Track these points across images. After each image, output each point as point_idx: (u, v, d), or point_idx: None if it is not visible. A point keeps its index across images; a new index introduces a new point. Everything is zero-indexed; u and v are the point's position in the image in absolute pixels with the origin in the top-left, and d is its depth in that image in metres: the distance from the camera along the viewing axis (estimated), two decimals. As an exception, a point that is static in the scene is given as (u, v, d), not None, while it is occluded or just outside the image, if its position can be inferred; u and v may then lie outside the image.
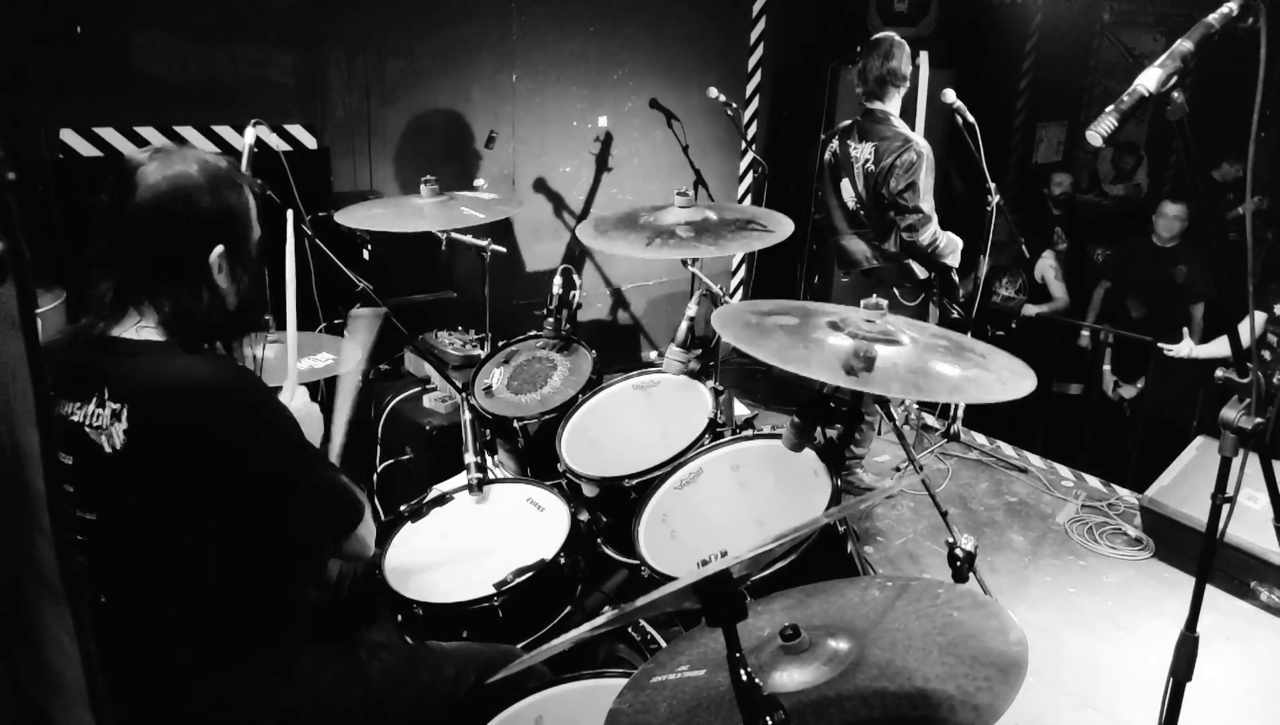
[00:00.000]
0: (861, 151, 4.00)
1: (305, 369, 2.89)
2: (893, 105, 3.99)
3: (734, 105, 4.86)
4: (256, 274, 1.74)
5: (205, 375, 1.59)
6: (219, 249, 1.63)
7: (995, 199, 4.36)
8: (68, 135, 3.59)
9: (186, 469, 1.53)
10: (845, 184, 4.11)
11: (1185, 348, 4.81)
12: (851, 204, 4.12)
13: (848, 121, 4.18)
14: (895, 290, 4.07)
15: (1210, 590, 1.78)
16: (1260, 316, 4.46)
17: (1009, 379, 1.86)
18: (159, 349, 1.61)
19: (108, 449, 1.53)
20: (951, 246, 4.01)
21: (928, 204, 3.87)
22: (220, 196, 1.63)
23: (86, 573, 1.60)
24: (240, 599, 1.67)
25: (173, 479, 1.53)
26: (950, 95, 4.14)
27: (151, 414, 1.53)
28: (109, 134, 3.66)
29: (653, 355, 5.62)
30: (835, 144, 4.16)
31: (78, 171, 3.54)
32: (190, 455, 1.52)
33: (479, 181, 4.71)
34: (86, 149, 3.62)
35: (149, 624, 1.63)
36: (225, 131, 3.93)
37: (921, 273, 4.08)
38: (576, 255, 5.34)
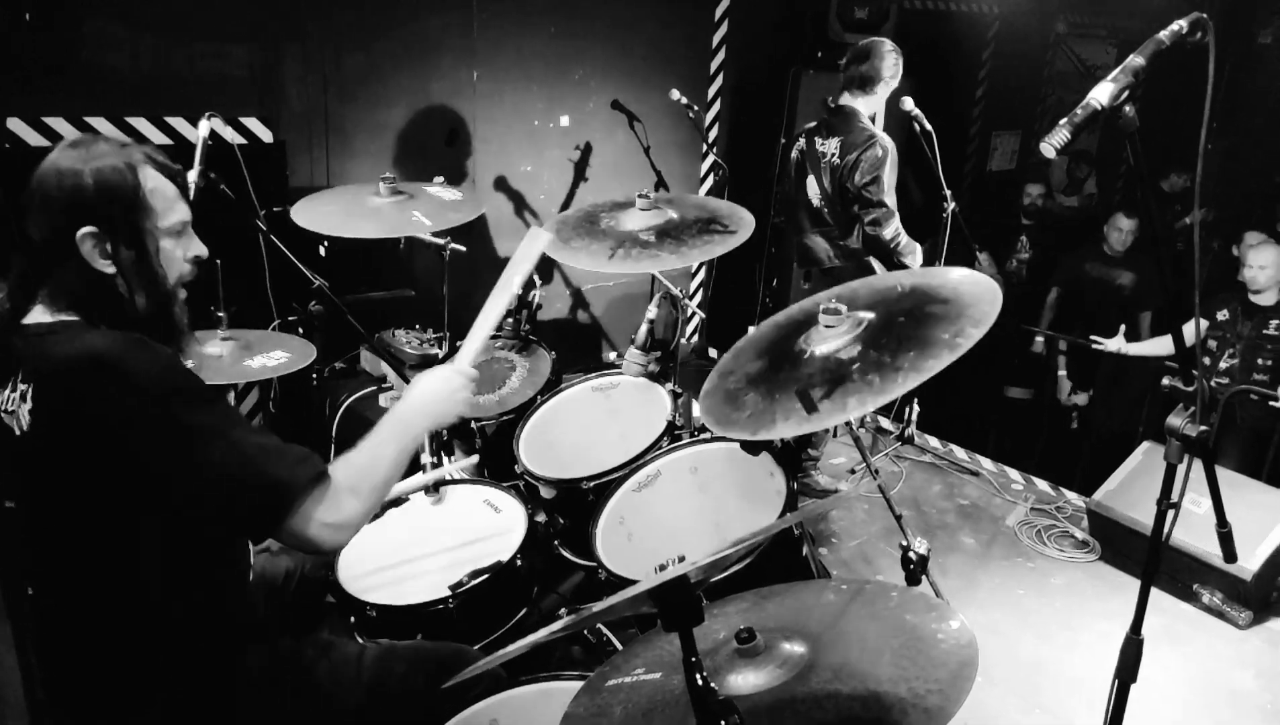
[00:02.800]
0: (828, 146, 4.07)
1: (258, 367, 2.86)
2: (863, 104, 4.06)
3: (696, 108, 4.88)
4: (160, 266, 1.64)
5: (90, 348, 1.51)
6: (85, 229, 1.56)
7: (951, 206, 4.42)
8: (15, 124, 3.50)
9: (80, 448, 1.48)
10: (811, 180, 4.16)
11: (1116, 343, 4.95)
12: (816, 201, 4.16)
13: (814, 122, 4.24)
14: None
15: (1154, 593, 1.82)
16: (1203, 323, 4.58)
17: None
18: (68, 329, 1.57)
19: (17, 432, 1.52)
20: (911, 248, 4.07)
21: (891, 199, 3.94)
22: (101, 180, 1.57)
23: (10, 560, 1.58)
24: (173, 592, 1.62)
25: (71, 459, 1.50)
26: (908, 103, 4.19)
27: (47, 392, 1.51)
28: (58, 124, 3.58)
29: (612, 356, 5.62)
30: (802, 141, 4.22)
31: (24, 162, 3.46)
32: (91, 430, 1.47)
33: (437, 180, 4.68)
34: (35, 139, 3.54)
35: (79, 614, 1.60)
36: (178, 123, 3.86)
37: (882, 270, 4.13)
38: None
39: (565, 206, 5.29)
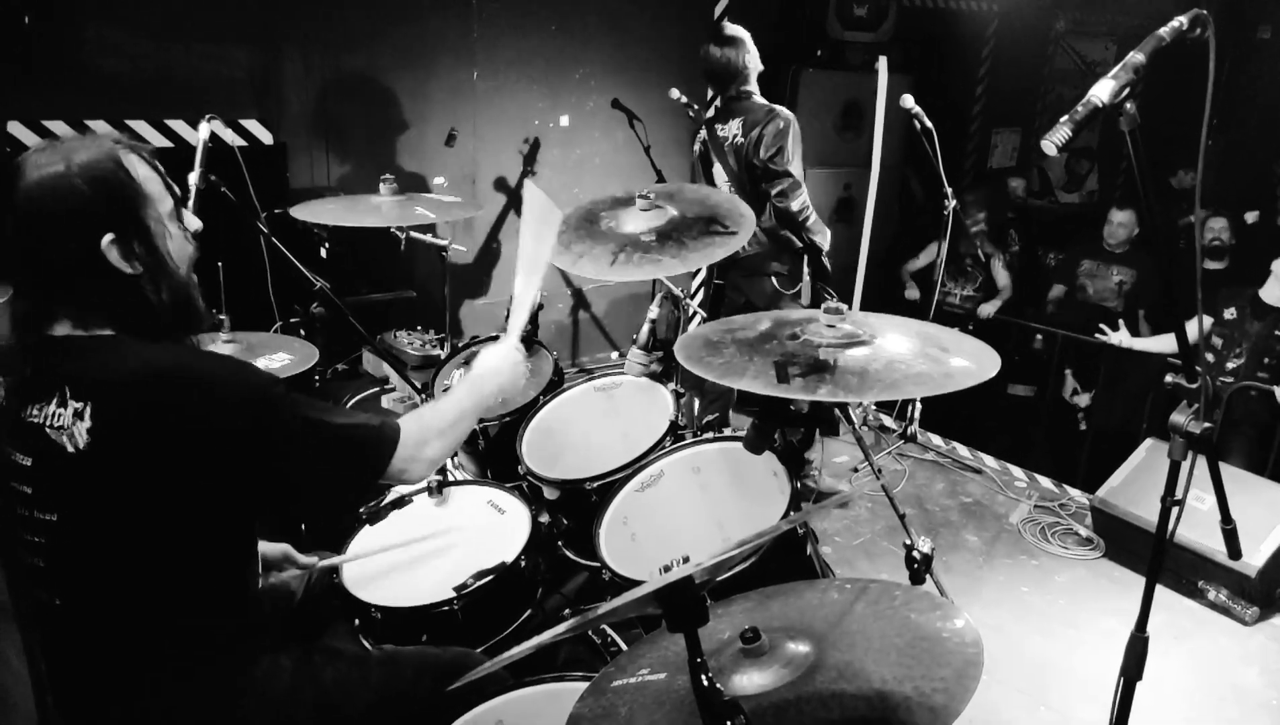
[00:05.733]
0: (729, 129, 4.03)
1: (262, 369, 2.86)
2: (751, 85, 4.04)
3: (695, 107, 4.87)
4: (172, 254, 1.64)
5: (171, 359, 1.54)
6: (108, 237, 1.54)
7: (952, 203, 4.42)
8: (15, 128, 3.50)
9: (154, 463, 1.50)
10: (717, 169, 4.13)
11: (1119, 336, 4.95)
12: (726, 188, 4.10)
13: (711, 111, 4.23)
14: (773, 279, 4.06)
15: (1159, 589, 1.82)
16: (1207, 320, 4.57)
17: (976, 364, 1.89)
18: (113, 344, 1.57)
19: (70, 449, 1.49)
20: (820, 228, 4.01)
21: (797, 169, 3.89)
22: (97, 183, 1.54)
23: (42, 575, 1.57)
24: (200, 603, 1.64)
25: (140, 475, 1.50)
26: (909, 100, 4.19)
27: (114, 410, 1.50)
28: (59, 127, 3.59)
29: (614, 356, 5.62)
30: (703, 133, 4.19)
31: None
32: (166, 443, 1.49)
33: (438, 180, 4.68)
34: (35, 142, 3.54)
35: (105, 626, 1.60)
36: (179, 126, 3.87)
37: (798, 242, 4.04)
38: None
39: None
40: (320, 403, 1.69)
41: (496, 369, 2.01)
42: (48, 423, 1.52)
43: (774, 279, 4.05)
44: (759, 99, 4.01)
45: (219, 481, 1.55)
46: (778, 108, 3.94)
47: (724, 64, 3.98)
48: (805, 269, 4.08)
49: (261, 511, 1.63)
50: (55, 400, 1.52)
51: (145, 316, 1.60)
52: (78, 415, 1.50)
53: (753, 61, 4.01)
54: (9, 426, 1.57)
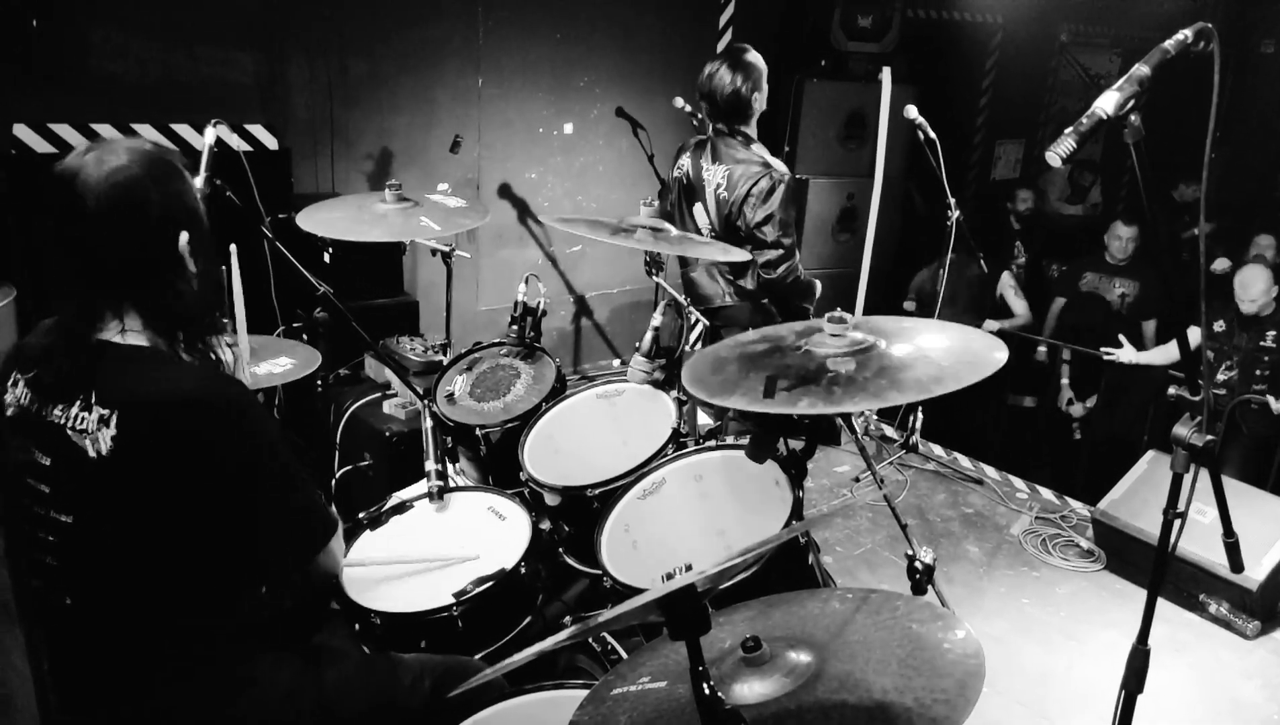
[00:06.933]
0: (714, 174, 3.53)
1: (264, 374, 2.86)
2: (752, 127, 3.58)
3: (699, 116, 4.88)
4: (213, 257, 1.71)
5: (197, 384, 1.57)
6: (185, 236, 1.61)
7: (955, 214, 4.42)
8: (21, 130, 3.51)
9: (173, 477, 1.52)
10: (699, 208, 3.63)
11: (1127, 353, 4.94)
12: (706, 232, 3.61)
13: (702, 136, 3.72)
14: (750, 331, 3.79)
15: (1160, 602, 1.82)
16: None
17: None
18: (149, 356, 1.59)
19: (92, 454, 1.51)
20: (811, 292, 3.63)
21: (789, 238, 3.45)
22: (166, 183, 1.60)
23: (53, 573, 1.59)
24: (205, 606, 1.65)
25: (158, 486, 1.52)
26: (912, 111, 4.20)
27: (143, 422, 1.51)
28: (65, 130, 3.60)
29: (616, 363, 5.62)
30: (687, 161, 3.67)
31: (31, 168, 3.47)
32: (178, 463, 1.51)
33: (442, 186, 4.68)
34: (41, 145, 3.55)
35: (113, 625, 1.61)
36: (184, 130, 3.88)
37: (774, 310, 3.68)
38: (541, 262, 5.33)
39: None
40: (302, 469, 1.73)
41: None
42: (70, 425, 1.53)
43: (751, 331, 3.82)
44: (756, 148, 3.53)
45: (212, 503, 1.56)
46: (773, 163, 3.46)
47: (729, 94, 3.47)
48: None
49: (225, 540, 1.63)
50: (79, 403, 1.53)
51: (182, 317, 1.64)
52: (103, 421, 1.51)
53: (760, 101, 3.55)
54: (30, 423, 1.58)
